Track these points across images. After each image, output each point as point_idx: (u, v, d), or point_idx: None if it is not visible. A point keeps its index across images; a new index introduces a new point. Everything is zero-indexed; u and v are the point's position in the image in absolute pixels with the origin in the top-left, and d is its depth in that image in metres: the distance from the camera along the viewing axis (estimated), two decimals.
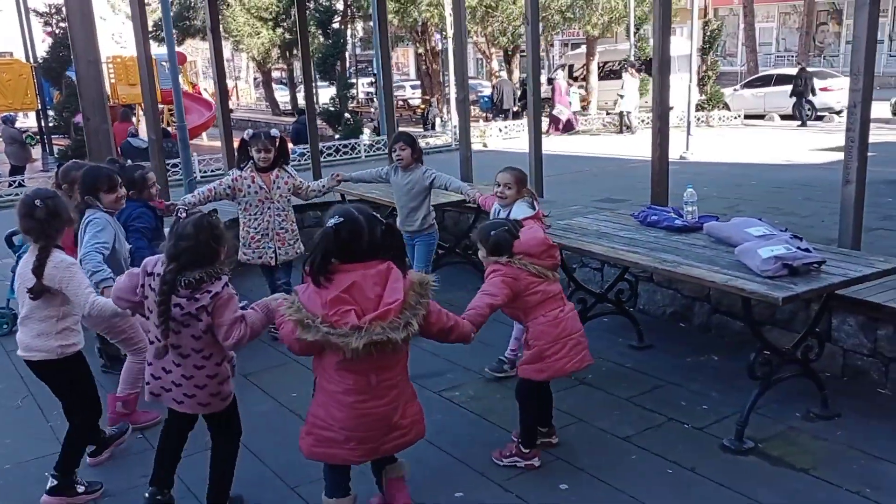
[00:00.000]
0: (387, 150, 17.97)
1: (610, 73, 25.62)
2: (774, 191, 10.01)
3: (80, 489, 3.54)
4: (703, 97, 20.96)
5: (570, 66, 27.65)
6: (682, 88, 15.42)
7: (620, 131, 20.27)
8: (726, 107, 21.97)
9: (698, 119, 18.77)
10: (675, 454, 3.73)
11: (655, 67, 5.70)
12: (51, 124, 18.66)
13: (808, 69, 21.25)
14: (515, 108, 22.45)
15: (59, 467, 3.51)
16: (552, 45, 35.38)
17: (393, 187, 5.78)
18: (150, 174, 4.99)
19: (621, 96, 20.56)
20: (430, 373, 4.91)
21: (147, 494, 3.32)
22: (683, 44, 23.99)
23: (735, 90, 22.87)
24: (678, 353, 4.99)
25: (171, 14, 25.29)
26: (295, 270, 5.49)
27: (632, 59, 22.17)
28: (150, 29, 26.59)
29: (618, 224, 4.87)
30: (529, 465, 3.69)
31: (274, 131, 5.55)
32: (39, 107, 18.60)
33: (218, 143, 21.29)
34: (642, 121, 20.15)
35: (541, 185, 7.56)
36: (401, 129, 5.62)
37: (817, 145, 14.85)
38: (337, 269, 2.69)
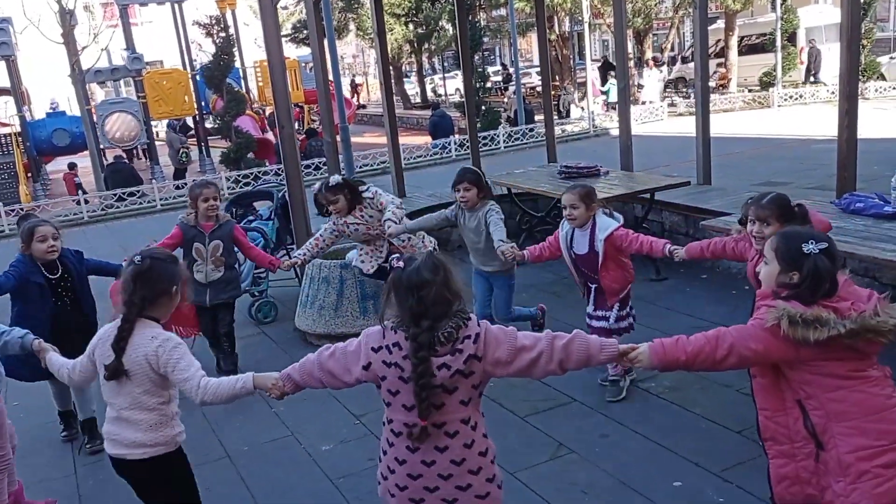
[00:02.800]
0: (524, 142, 17.82)
1: (750, 48, 24.55)
2: None
3: None
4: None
5: None
6: (834, 60, 14.60)
7: None
8: (882, 77, 20.56)
9: None
10: None
11: (844, 42, 5.48)
12: (208, 127, 19.98)
13: None
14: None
15: None
16: (682, 22, 34.17)
17: (461, 230, 5.22)
18: (39, 227, 4.33)
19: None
20: None
21: None
22: (831, 11, 22.65)
23: (892, 58, 21.36)
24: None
25: (300, 18, 26.42)
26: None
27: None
28: (289, 31, 28.05)
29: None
30: None
31: (333, 178, 5.32)
32: (197, 112, 19.96)
33: (361, 140, 22.11)
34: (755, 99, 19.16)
35: (709, 170, 7.43)
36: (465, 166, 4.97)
37: None
38: None
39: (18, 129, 19.82)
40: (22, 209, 15.79)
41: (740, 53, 24.24)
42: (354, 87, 36.85)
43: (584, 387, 4.65)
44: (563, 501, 3.55)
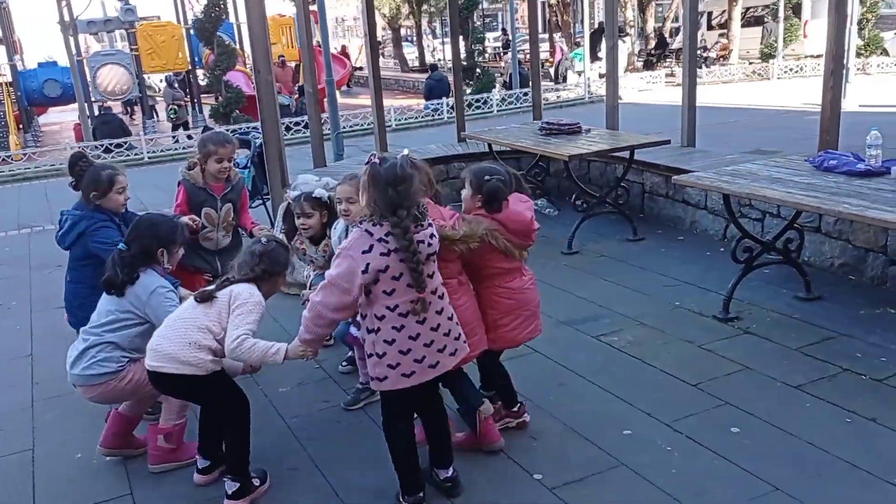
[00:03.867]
0: (518, 106, 17.51)
1: (755, 20, 24.26)
2: None
3: (256, 482, 3.35)
4: (861, 42, 19.45)
5: (709, 14, 26.33)
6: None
7: None
8: (885, 52, 20.35)
9: (855, 67, 17.48)
10: (853, 404, 3.63)
11: (832, 5, 5.38)
12: (201, 82, 19.75)
13: None
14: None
15: (232, 471, 3.29)
16: None
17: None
18: (120, 176, 3.95)
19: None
20: (585, 318, 4.97)
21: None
22: None
23: None
24: (850, 305, 4.79)
25: None
26: None
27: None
28: None
29: (791, 169, 4.67)
30: (521, 422, 3.71)
31: (320, 191, 4.15)
32: (190, 67, 19.71)
33: (350, 101, 21.93)
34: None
35: (693, 136, 7.37)
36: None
37: None
38: None
39: (9, 78, 19.62)
40: (10, 158, 15.70)
41: (743, 25, 23.95)
42: None
43: (545, 339, 4.61)
44: (510, 446, 3.53)
